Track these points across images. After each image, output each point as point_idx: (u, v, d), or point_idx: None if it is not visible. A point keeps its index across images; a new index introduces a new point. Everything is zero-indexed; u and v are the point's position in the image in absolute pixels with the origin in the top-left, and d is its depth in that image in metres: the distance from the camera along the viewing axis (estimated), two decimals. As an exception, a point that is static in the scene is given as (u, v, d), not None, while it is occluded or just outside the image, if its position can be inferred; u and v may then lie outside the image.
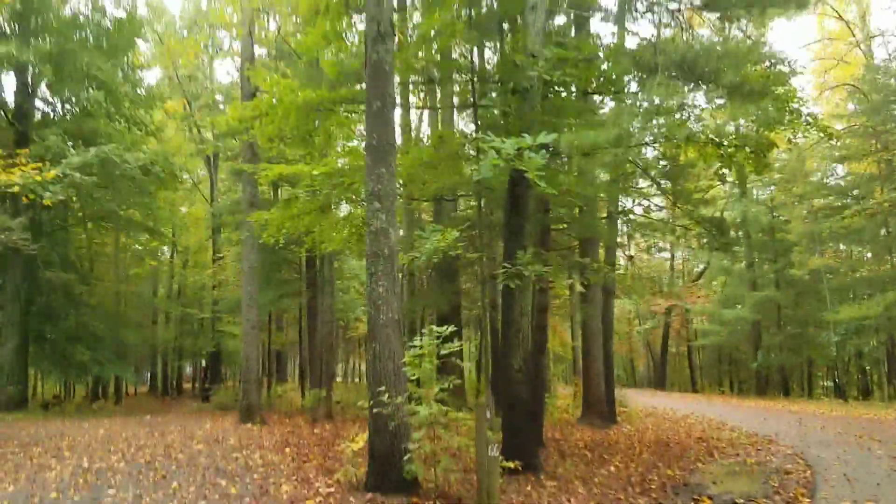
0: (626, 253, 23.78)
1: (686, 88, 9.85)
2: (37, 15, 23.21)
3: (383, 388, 7.58)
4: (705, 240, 14.91)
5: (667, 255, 48.79)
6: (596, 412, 17.76)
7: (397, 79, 11.29)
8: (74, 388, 37.75)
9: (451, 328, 7.31)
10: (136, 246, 38.66)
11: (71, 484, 9.00)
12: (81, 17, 25.14)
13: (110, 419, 20.58)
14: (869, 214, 29.77)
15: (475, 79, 10.04)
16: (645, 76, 8.98)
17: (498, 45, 11.50)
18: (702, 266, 46.31)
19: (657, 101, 8.15)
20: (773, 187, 36.38)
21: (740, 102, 10.07)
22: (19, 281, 23.36)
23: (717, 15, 13.40)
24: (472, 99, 10.03)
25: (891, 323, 27.79)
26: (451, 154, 9.81)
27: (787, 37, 75.42)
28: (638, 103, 8.95)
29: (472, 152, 10.19)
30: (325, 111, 12.15)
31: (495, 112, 10.08)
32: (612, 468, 10.66)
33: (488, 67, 13.97)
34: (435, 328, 7.31)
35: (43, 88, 25.73)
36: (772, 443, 14.33)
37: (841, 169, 36.25)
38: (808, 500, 8.29)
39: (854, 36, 32.84)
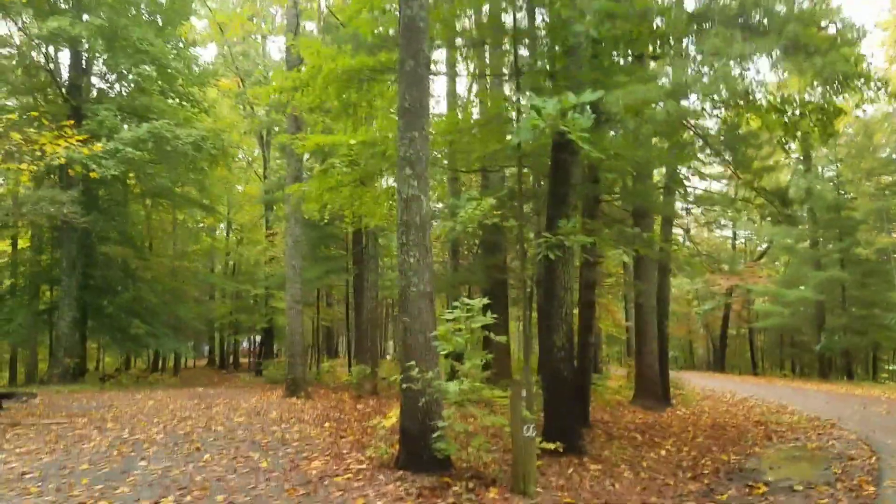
0: (684, 228, 22.87)
1: (744, 42, 9.10)
2: (89, -11, 23.41)
3: (413, 363, 7.21)
4: (767, 213, 14.05)
5: (728, 232, 47.21)
6: (649, 394, 17.13)
7: (438, 42, 10.80)
8: (135, 361, 38.66)
9: (484, 300, 6.86)
10: (193, 223, 39.31)
11: (105, 455, 8.93)
12: (134, -9, 25.27)
13: (165, 391, 20.87)
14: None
15: (516, 39, 9.48)
16: (700, 29, 8.30)
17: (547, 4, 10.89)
18: (764, 245, 44.68)
19: (713, 51, 7.49)
20: (838, 163, 34.61)
21: (804, 57, 9.26)
22: (75, 255, 23.79)
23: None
24: (513, 61, 9.48)
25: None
26: (493, 118, 9.27)
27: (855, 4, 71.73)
28: (692, 55, 8.27)
29: (514, 116, 9.66)
30: (367, 80, 11.77)
31: (541, 76, 9.52)
32: (663, 452, 10.13)
33: (538, 33, 13.38)
34: (466, 300, 6.87)
35: (98, 64, 26.06)
36: (834, 427, 13.53)
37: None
38: (872, 487, 7.63)
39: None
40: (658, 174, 18.21)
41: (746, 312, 44.57)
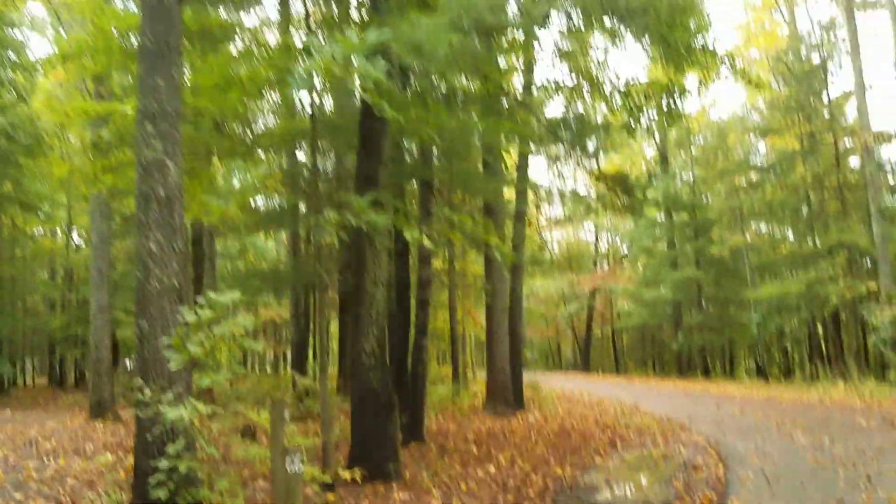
0: (539, 224, 22.19)
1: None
2: None
3: (150, 380, 5.49)
4: (616, 206, 13.30)
5: (592, 237, 47.86)
6: (501, 399, 16.01)
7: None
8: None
9: (235, 294, 5.23)
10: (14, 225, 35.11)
11: None
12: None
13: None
14: (790, 189, 29.03)
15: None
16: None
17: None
18: (625, 247, 45.45)
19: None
20: (694, 166, 35.44)
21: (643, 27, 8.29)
22: None
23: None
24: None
25: (812, 301, 27.03)
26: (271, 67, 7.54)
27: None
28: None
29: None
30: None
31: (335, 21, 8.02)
32: (493, 469, 8.83)
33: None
34: (213, 295, 5.22)
35: None
36: (684, 429, 12.82)
37: (763, 147, 35.66)
38: (716, 507, 6.63)
39: (777, 5, 31.95)
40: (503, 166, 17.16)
41: (609, 313, 45.16)
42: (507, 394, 16.02)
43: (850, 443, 10.09)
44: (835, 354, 27.90)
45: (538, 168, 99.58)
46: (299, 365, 18.64)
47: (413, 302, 11.49)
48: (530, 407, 17.81)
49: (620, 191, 12.28)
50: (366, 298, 7.69)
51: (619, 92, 12.16)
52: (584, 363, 45.10)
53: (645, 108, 11.96)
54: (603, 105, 12.38)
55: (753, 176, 32.66)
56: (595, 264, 46.32)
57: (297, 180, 9.16)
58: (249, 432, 12.94)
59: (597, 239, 47.20)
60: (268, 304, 29.03)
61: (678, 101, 11.64)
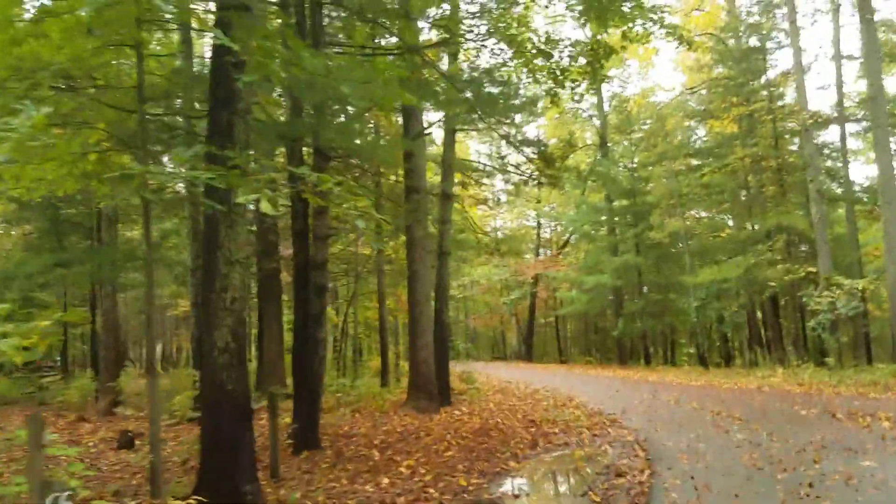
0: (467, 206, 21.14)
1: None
2: None
3: None
4: (535, 175, 12.19)
5: (532, 223, 47.00)
6: (424, 393, 14.75)
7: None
8: None
9: None
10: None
11: None
12: None
13: None
14: (729, 171, 28.50)
15: None
16: None
17: None
18: (567, 234, 44.69)
19: None
20: (634, 149, 34.71)
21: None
22: None
23: None
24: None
25: (751, 286, 26.55)
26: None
27: None
28: None
29: None
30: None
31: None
32: (387, 480, 7.61)
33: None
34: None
35: None
36: (614, 423, 11.81)
37: (702, 132, 35.20)
38: (635, 528, 5.53)
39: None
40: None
41: (553, 301, 44.42)
42: (430, 388, 14.78)
43: (790, 438, 9.18)
44: (774, 340, 27.54)
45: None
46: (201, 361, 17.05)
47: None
48: (458, 402, 16.68)
49: (542, 161, 11.14)
50: (217, 281, 6.34)
51: (543, 52, 11.04)
52: (528, 352, 44.29)
53: (568, 71, 10.87)
54: (524, 70, 11.24)
55: (693, 161, 32.16)
56: (538, 252, 45.47)
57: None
58: (127, 441, 11.51)
59: (538, 225, 46.32)
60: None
61: (602, 61, 10.60)
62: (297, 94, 8.09)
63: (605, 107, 37.87)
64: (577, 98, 14.31)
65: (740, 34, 29.02)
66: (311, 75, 5.63)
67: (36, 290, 20.51)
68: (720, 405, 13.57)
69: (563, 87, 11.18)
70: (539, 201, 42.65)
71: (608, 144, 36.80)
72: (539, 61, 10.96)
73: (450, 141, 16.65)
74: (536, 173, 11.53)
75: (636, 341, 34.34)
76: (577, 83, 11.31)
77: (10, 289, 20.15)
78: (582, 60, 11.01)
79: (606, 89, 38.28)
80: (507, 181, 18.38)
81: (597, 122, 39.09)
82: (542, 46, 11.01)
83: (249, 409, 6.54)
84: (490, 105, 10.19)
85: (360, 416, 14.02)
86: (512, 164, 15.27)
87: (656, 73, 71.78)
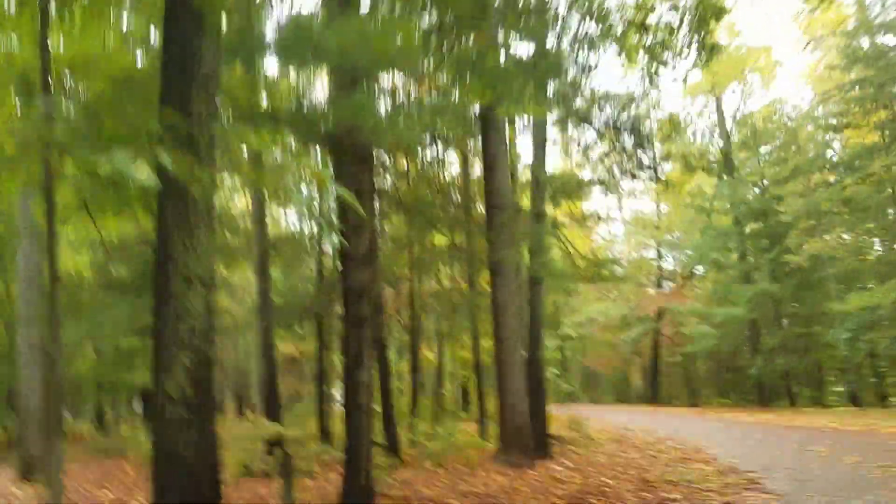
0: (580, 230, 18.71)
1: None
2: None
3: None
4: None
5: (653, 253, 43.76)
6: (517, 445, 12.63)
7: None
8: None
9: None
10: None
11: None
12: None
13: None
14: (874, 183, 24.80)
15: None
16: None
17: None
18: (692, 262, 41.08)
19: None
20: (762, 166, 31.25)
21: None
22: None
23: None
24: None
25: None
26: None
27: None
28: None
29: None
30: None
31: None
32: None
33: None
34: None
35: None
36: (753, 486, 9.23)
37: (838, 145, 31.32)
38: None
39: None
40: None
41: (679, 337, 40.74)
42: (523, 439, 12.63)
43: None
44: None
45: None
46: (270, 407, 15.70)
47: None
48: (563, 453, 14.35)
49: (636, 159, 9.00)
50: (172, 305, 4.67)
51: (638, 26, 8.97)
52: (653, 395, 40.69)
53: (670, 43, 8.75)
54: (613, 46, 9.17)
55: (831, 178, 28.56)
56: (659, 284, 42.06)
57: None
58: None
59: (659, 256, 42.92)
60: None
61: (711, 26, 8.42)
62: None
63: (728, 124, 34.81)
64: (683, 78, 12.06)
65: (873, 31, 25.51)
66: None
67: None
68: (889, 459, 10.61)
69: (664, 62, 9.06)
70: (658, 227, 39.64)
71: (733, 164, 33.60)
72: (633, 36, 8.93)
73: (540, 153, 14.71)
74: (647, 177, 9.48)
75: (777, 381, 30.40)
76: (681, 55, 9.14)
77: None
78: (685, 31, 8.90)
79: (727, 103, 35.30)
80: (608, 190, 16.09)
81: (718, 143, 36.02)
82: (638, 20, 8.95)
83: (215, 488, 4.75)
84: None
85: (443, 471, 12.06)
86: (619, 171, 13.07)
87: (780, 88, 66.77)
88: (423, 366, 21.55)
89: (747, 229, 30.96)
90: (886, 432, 15.11)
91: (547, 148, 15.03)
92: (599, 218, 22.00)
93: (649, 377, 42.18)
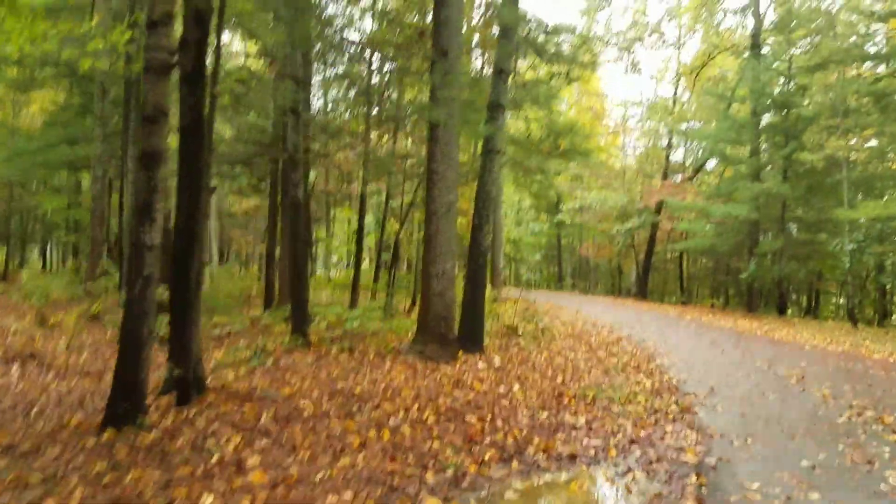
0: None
1: None
2: None
3: None
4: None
5: (663, 142, 40.96)
6: (433, 335, 10.83)
7: None
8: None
9: None
10: None
11: None
12: None
13: None
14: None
15: None
16: None
17: None
18: (699, 152, 38.38)
19: None
20: (791, 62, 27.86)
21: None
22: None
23: None
24: None
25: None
26: None
27: None
28: None
29: None
30: None
31: None
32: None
33: None
34: None
35: None
36: (683, 415, 7.49)
37: (881, 37, 27.79)
38: None
39: None
40: None
41: (677, 234, 38.68)
42: (443, 329, 10.82)
43: None
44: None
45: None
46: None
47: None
48: (501, 348, 12.69)
49: None
50: None
51: None
52: (642, 290, 39.10)
53: None
54: None
55: (866, 71, 25.48)
56: (665, 176, 39.44)
57: None
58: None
59: (669, 145, 39.99)
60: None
61: None
62: None
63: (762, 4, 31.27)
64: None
65: None
66: None
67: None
68: (867, 395, 8.82)
69: None
70: (671, 114, 36.81)
71: (760, 48, 30.32)
72: None
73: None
74: None
75: (771, 287, 28.52)
76: None
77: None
78: None
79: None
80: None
81: (749, 22, 32.57)
82: None
83: None
84: None
85: (345, 357, 10.43)
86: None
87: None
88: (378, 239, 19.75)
89: (763, 121, 28.10)
90: (875, 358, 13.33)
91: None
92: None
93: (642, 272, 40.46)
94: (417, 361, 10.22)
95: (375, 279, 21.38)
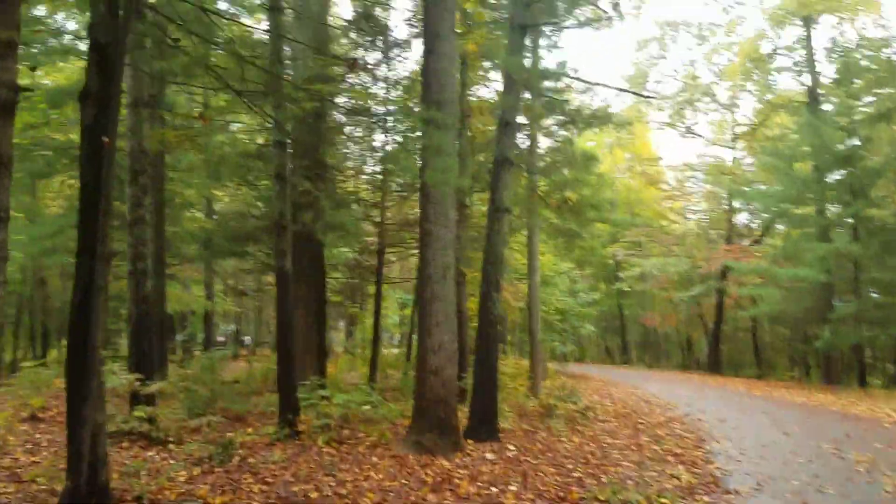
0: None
1: None
2: None
3: None
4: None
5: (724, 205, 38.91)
6: (432, 422, 9.37)
7: None
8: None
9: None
10: None
11: None
12: None
13: None
14: None
15: None
16: None
17: None
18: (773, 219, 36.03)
19: None
20: (853, 114, 25.98)
21: None
22: None
23: None
24: None
25: None
26: None
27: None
28: None
29: None
30: None
31: None
32: None
33: None
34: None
35: None
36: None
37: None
38: None
39: None
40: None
41: (745, 300, 36.03)
42: (443, 415, 9.38)
43: None
44: None
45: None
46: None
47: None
48: (523, 434, 11.14)
49: None
50: None
51: None
52: (714, 363, 36.40)
53: None
54: None
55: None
56: (728, 240, 37.23)
57: None
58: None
59: (731, 209, 37.90)
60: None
61: None
62: None
63: (818, 60, 29.72)
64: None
65: None
66: None
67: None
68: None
69: None
70: (725, 174, 35.00)
71: (819, 103, 28.61)
72: None
73: (517, 38, 11.18)
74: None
75: (850, 356, 25.83)
76: None
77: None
78: None
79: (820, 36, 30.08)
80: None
81: (806, 79, 30.98)
82: None
83: None
84: None
85: (329, 450, 9.09)
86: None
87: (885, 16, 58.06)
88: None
89: (828, 178, 26.09)
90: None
91: (526, 33, 11.35)
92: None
93: (712, 343, 37.81)
94: (411, 454, 8.82)
95: (408, 357, 20.21)
